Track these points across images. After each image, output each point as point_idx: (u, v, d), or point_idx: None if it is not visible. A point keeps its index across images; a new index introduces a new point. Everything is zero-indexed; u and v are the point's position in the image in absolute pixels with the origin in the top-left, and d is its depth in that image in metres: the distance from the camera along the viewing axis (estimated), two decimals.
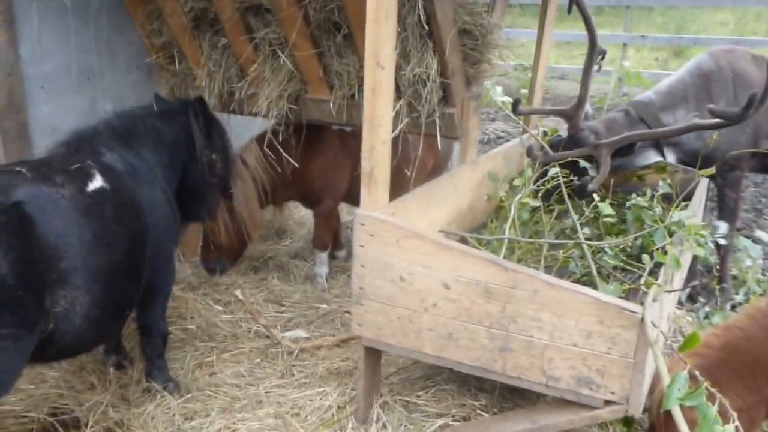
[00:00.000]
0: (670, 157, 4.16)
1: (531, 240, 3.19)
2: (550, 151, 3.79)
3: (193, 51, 4.19)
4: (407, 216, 3.07)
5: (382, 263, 2.80)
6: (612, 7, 13.34)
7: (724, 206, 4.48)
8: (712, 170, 3.71)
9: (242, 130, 4.84)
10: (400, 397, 3.34)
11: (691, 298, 4.41)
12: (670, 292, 2.65)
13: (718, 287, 4.26)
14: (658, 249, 2.89)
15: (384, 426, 3.16)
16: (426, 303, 2.75)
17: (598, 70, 3.83)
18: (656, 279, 2.72)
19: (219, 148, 3.66)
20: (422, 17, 3.06)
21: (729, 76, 3.99)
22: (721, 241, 4.03)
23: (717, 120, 3.12)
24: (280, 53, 3.72)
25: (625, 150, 3.66)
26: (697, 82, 4.01)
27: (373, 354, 3.12)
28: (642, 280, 2.75)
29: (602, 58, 3.76)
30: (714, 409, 1.86)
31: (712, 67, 4.10)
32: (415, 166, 3.78)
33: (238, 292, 4.29)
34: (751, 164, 4.39)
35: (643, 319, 2.33)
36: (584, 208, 3.56)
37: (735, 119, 3.00)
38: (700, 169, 3.91)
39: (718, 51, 4.26)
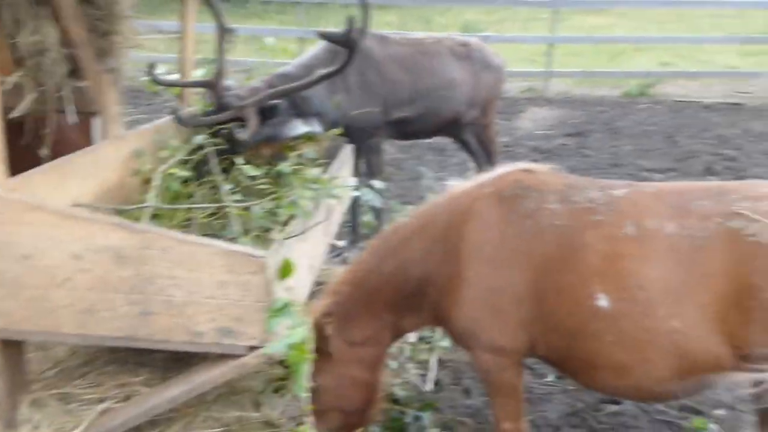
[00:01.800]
0: (316, 127, 4.51)
1: (170, 207, 3.20)
2: (199, 117, 3.85)
3: None
4: (36, 193, 2.86)
5: (2, 243, 2.57)
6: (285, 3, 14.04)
7: (370, 171, 5.03)
8: (338, 130, 4.14)
9: None
10: (55, 390, 3.12)
11: None
12: (291, 237, 2.84)
13: None
14: (290, 203, 3.10)
15: (36, 426, 2.93)
16: (58, 278, 2.60)
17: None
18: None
19: None
20: None
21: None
22: (376, 203, 4.45)
23: (339, 67, 3.49)
24: None
25: (269, 113, 3.89)
26: (329, 57, 4.42)
27: (11, 347, 2.86)
28: (275, 232, 2.92)
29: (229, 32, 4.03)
30: (303, 321, 2.07)
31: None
32: (51, 145, 3.51)
33: None
34: (388, 132, 4.98)
35: (268, 263, 2.48)
36: (240, 177, 3.67)
37: (342, 40, 3.40)
38: (340, 136, 4.32)
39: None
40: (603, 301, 2.33)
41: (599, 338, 2.37)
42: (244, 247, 2.55)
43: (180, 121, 3.80)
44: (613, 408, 3.46)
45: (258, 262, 2.49)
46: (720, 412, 3.44)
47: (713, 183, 2.50)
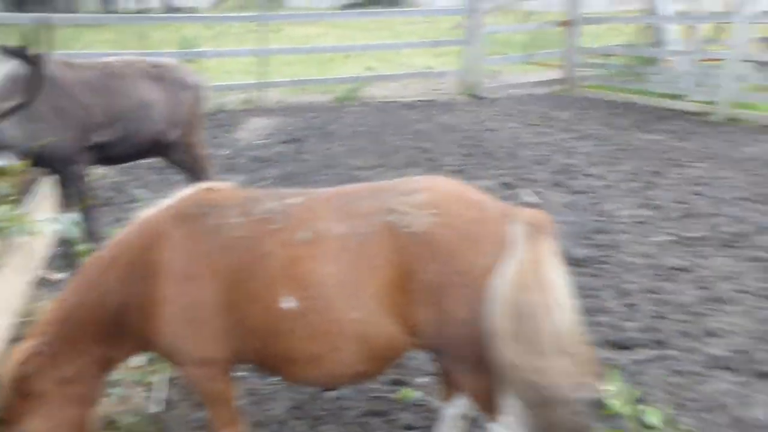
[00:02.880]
0: (7, 160, 4.20)
1: None
2: None
3: None
4: None
5: None
6: None
7: (72, 200, 4.80)
8: (22, 164, 3.92)
9: None
10: None
11: None
12: None
13: None
14: None
15: None
16: None
17: None
18: None
19: None
20: None
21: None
22: (72, 234, 4.22)
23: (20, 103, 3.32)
24: None
25: None
26: (10, 87, 4.13)
27: None
28: None
29: None
30: None
31: (20, 72, 4.27)
32: None
33: None
34: (88, 158, 4.79)
35: None
36: None
37: (26, 56, 3.23)
38: (35, 166, 4.08)
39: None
40: (289, 303, 2.55)
41: (291, 336, 2.58)
42: None
43: None
44: (332, 394, 3.75)
45: None
46: (423, 379, 3.90)
47: (374, 183, 2.83)
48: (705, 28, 12.90)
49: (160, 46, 15.12)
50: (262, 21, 12.08)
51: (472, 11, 12.31)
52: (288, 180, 7.44)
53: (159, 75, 5.10)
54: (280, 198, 2.72)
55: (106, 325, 2.74)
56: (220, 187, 2.81)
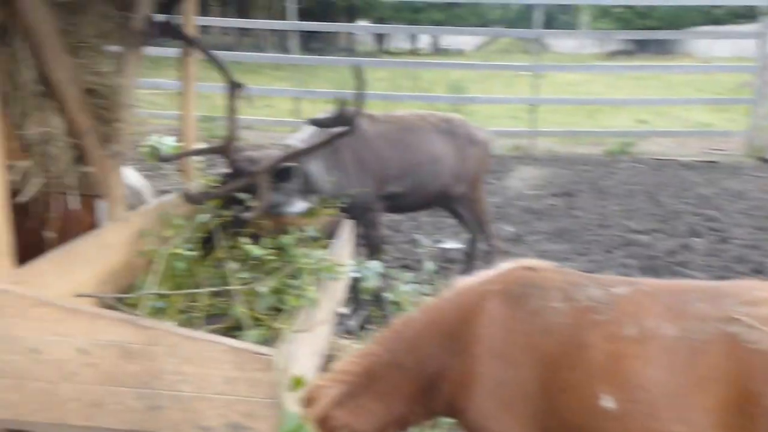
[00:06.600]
0: (313, 204, 4.59)
1: (170, 292, 3.23)
2: (210, 191, 3.92)
3: None
4: (43, 282, 2.89)
5: (8, 337, 2.59)
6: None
7: (369, 244, 5.08)
8: (331, 210, 4.38)
9: None
10: None
11: (363, 328, 4.82)
12: (299, 331, 2.88)
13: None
14: (294, 293, 3.14)
15: None
16: (64, 371, 2.61)
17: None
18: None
19: None
20: (35, 77, 2.99)
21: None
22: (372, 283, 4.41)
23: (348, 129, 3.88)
24: None
25: (284, 175, 4.03)
26: (321, 134, 4.47)
27: None
28: (282, 323, 2.95)
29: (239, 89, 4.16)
30: None
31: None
32: (56, 226, 3.54)
33: None
34: (382, 206, 5.06)
35: (276, 360, 2.52)
36: (249, 252, 3.67)
37: (338, 120, 3.79)
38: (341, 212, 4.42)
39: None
40: (607, 402, 2.37)
41: None
42: (251, 345, 2.59)
43: (190, 199, 3.84)
44: None
45: (265, 360, 2.52)
46: None
47: (708, 284, 2.58)
48: None
49: (431, 87, 15.73)
50: (536, 71, 12.09)
51: (763, 69, 11.13)
52: (560, 236, 7.23)
53: (449, 130, 5.24)
54: (603, 286, 2.57)
55: (419, 389, 2.77)
56: (540, 266, 2.74)
